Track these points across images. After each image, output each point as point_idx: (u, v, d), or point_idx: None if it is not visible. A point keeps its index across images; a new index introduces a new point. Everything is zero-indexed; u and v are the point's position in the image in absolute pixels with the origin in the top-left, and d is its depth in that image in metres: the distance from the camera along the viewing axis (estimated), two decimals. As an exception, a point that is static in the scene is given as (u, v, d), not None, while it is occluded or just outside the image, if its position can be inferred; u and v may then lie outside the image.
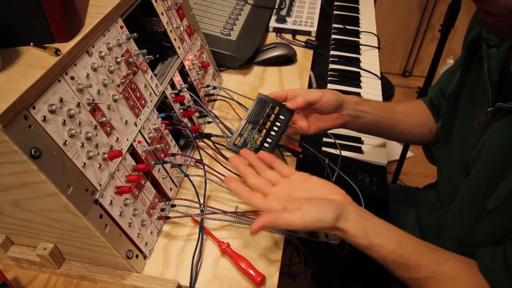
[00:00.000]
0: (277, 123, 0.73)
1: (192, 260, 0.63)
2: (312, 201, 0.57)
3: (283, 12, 1.27)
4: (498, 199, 0.55)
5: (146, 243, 0.64)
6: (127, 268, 0.61)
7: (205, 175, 0.75)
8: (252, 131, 0.71)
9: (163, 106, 0.76)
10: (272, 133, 0.72)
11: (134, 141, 0.64)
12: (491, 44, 0.60)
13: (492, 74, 0.59)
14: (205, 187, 0.74)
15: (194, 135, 0.76)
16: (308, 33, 1.21)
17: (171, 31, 0.79)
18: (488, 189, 0.56)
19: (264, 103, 0.74)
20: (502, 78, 0.58)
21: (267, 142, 0.71)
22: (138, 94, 0.67)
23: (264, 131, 0.72)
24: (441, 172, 0.79)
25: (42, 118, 0.48)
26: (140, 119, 0.66)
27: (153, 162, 0.67)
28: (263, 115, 0.72)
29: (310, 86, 1.05)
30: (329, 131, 0.95)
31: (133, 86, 0.66)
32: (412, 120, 0.86)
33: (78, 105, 0.54)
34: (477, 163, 0.62)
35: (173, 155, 0.73)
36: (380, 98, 1.10)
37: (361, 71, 1.17)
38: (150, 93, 0.70)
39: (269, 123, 0.72)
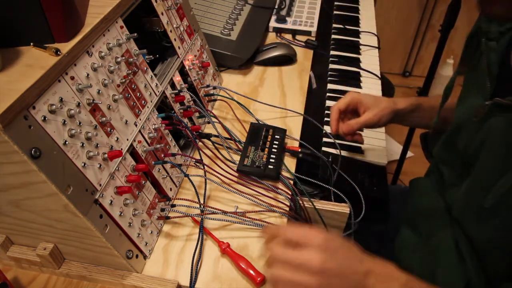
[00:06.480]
0: (275, 142, 0.81)
1: (192, 260, 0.63)
2: None
3: (283, 12, 1.27)
4: (495, 196, 0.54)
5: (146, 243, 0.64)
6: (127, 268, 0.61)
7: (205, 175, 0.75)
8: (256, 151, 0.78)
9: (163, 106, 0.76)
10: (274, 150, 0.79)
11: (134, 141, 0.64)
12: (490, 37, 0.60)
13: (491, 67, 0.58)
14: (205, 187, 0.74)
15: (194, 135, 0.76)
16: (308, 33, 1.21)
17: (171, 31, 0.79)
18: (488, 186, 0.56)
19: (258, 128, 0.83)
20: (501, 71, 0.58)
21: (272, 158, 0.77)
22: (138, 94, 0.67)
23: (266, 149, 0.79)
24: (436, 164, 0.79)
25: (42, 118, 0.48)
26: (140, 119, 0.66)
27: (153, 162, 0.67)
28: (261, 137, 0.81)
29: (310, 86, 1.05)
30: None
31: (133, 86, 0.66)
32: None
33: (78, 105, 0.54)
34: (477, 159, 0.61)
35: (173, 155, 0.73)
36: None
37: (361, 71, 1.17)
38: (150, 93, 0.70)
39: (268, 142, 0.80)
